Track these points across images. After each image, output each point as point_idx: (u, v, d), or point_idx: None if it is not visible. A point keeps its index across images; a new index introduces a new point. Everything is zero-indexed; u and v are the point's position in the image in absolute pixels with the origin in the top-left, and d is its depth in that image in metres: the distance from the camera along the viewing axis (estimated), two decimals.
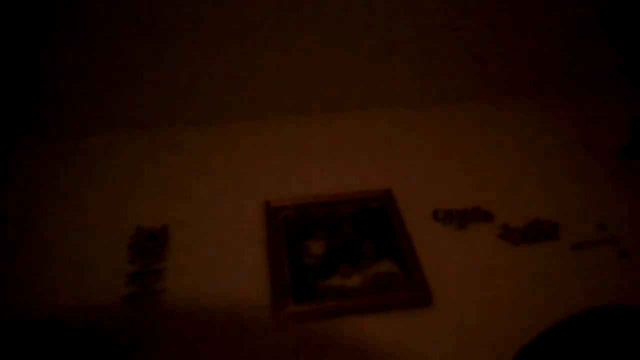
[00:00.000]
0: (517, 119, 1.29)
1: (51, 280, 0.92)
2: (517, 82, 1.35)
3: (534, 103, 1.34)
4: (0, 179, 1.14)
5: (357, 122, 1.28)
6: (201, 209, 1.05)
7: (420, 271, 0.90)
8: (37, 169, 1.16)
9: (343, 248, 0.95)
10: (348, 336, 0.83)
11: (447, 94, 1.34)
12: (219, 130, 1.26)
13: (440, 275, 0.90)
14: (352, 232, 0.98)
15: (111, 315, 0.86)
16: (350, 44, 1.23)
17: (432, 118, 1.29)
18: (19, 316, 0.86)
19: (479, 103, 1.33)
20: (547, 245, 0.97)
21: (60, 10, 1.11)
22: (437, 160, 1.16)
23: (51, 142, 1.22)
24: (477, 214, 1.02)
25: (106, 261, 0.94)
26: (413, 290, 0.88)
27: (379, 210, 1.03)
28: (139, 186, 1.11)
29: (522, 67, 1.33)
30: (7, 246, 0.98)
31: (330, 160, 1.17)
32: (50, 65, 1.17)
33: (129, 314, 0.86)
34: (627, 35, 1.32)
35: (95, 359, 0.81)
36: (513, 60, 1.32)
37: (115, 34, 1.15)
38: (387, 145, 1.21)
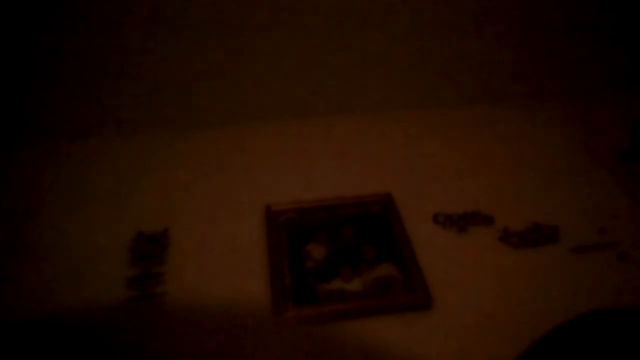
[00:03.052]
0: (516, 123, 1.29)
1: (51, 283, 0.92)
2: (517, 86, 1.35)
3: (533, 106, 1.34)
4: None
5: (357, 125, 1.28)
6: (202, 212, 1.05)
7: (420, 275, 0.90)
8: (37, 172, 1.16)
9: (343, 252, 0.95)
10: (348, 340, 0.83)
11: (447, 98, 1.34)
12: (219, 134, 1.26)
13: (440, 278, 0.90)
14: (353, 235, 0.98)
15: (111, 319, 0.86)
16: (350, 47, 1.24)
17: (431, 122, 1.30)
18: (18, 320, 0.86)
19: (478, 107, 1.34)
20: (547, 249, 0.97)
21: (60, 14, 1.11)
22: (437, 164, 1.17)
23: (51, 145, 1.22)
24: (477, 217, 1.02)
25: (106, 264, 0.94)
26: (413, 294, 0.87)
27: (379, 214, 1.03)
28: (140, 190, 1.11)
29: (521, 70, 1.33)
30: (6, 250, 0.98)
31: (330, 164, 1.17)
32: (50, 68, 1.17)
33: (129, 318, 0.86)
34: (627, 38, 1.32)
35: None
36: (513, 64, 1.32)
37: (117, 37, 1.15)
38: (387, 149, 1.21)
